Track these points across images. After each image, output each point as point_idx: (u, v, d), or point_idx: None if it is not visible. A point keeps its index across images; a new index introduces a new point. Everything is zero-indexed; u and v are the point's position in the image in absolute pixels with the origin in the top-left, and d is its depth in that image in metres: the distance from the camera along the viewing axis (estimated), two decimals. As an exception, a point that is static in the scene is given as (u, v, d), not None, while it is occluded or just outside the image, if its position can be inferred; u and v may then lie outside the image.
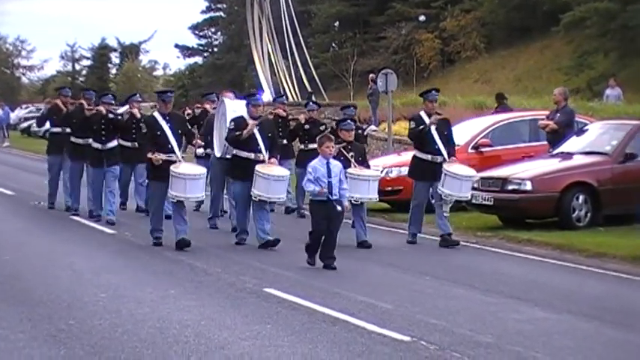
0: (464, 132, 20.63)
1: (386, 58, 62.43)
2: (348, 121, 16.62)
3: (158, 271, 13.93)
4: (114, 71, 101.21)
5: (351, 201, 14.82)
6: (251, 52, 53.66)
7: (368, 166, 16.61)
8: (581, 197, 16.94)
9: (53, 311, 10.79)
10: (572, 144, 18.58)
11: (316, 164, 13.50)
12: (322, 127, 20.14)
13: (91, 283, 12.78)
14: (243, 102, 16.48)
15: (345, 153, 15.53)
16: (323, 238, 13.50)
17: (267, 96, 47.01)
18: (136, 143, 18.84)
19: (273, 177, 14.84)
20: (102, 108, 18.40)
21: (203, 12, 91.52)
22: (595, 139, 18.72)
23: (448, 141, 16.27)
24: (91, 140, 18.45)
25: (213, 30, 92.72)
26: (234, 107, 16.45)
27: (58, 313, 10.69)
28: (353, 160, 15.55)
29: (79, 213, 19.73)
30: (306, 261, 13.71)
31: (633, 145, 17.48)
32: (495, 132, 20.72)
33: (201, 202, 19.10)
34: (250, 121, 15.25)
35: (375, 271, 13.87)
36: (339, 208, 13.46)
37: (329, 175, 13.31)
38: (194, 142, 16.21)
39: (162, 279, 13.26)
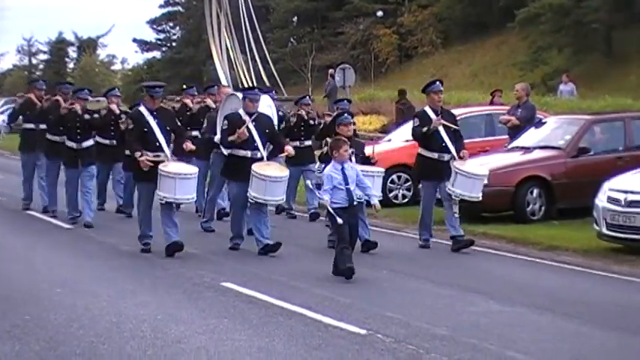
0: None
1: (344, 53, 62.49)
2: (346, 115, 14.54)
3: (115, 266, 13.78)
4: (71, 65, 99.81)
5: None
6: (209, 46, 53.51)
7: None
8: (535, 191, 17.03)
9: (7, 306, 10.75)
10: (526, 138, 18.68)
11: (331, 172, 11.91)
12: (316, 122, 18.95)
13: (47, 278, 12.73)
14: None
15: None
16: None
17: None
18: (114, 141, 17.75)
19: (270, 178, 13.26)
20: (77, 106, 16.68)
21: (161, 6, 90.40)
22: (549, 133, 18.83)
23: (457, 136, 14.93)
24: (65, 138, 16.82)
25: (171, 24, 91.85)
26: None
27: (12, 308, 10.66)
28: (353, 157, 13.59)
29: (57, 215, 18.10)
30: (333, 272, 12.36)
31: (586, 140, 17.61)
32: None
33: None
34: (246, 118, 13.72)
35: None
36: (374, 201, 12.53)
37: (346, 182, 11.81)
38: (185, 145, 13.89)
39: (119, 274, 13.17)
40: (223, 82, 50.38)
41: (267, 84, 48.33)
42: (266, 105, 14.56)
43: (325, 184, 12.02)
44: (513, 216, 17.21)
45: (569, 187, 16.97)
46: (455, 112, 21.22)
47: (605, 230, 14.05)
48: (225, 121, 13.74)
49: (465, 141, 18.68)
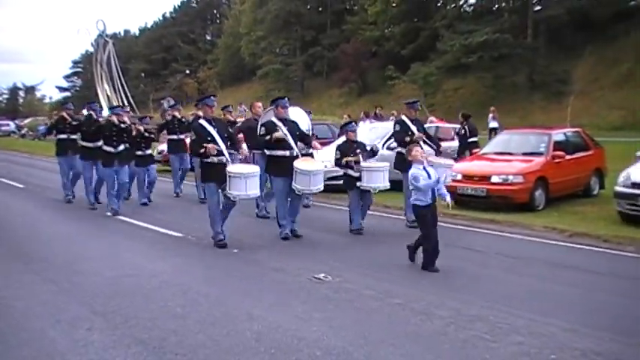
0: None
1: (170, 92, 61.17)
2: (353, 123, 10.39)
3: (85, 219, 12.63)
4: (21, 100, 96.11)
5: (360, 188, 9.32)
6: (96, 89, 51.42)
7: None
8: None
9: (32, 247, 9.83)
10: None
11: (415, 172, 7.22)
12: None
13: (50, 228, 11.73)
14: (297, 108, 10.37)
15: (354, 153, 9.47)
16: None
17: (105, 112, 45.54)
18: (128, 144, 11.83)
19: (312, 172, 8.82)
20: (114, 118, 11.81)
21: (71, 68, 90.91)
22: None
23: (430, 138, 10.60)
24: (101, 143, 11.70)
25: (76, 77, 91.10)
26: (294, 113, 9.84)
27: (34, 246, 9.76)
28: (360, 156, 9.39)
29: (96, 207, 12.25)
30: (431, 270, 7.03)
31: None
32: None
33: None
34: (279, 123, 8.97)
35: (185, 208, 12.75)
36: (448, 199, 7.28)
37: (429, 178, 7.20)
38: (241, 151, 8.99)
39: (84, 223, 12.07)
40: (104, 109, 48.55)
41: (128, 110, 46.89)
42: (300, 115, 10.11)
43: (412, 185, 7.31)
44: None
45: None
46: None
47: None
48: (263, 128, 9.20)
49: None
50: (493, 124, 23.15)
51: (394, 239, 8.77)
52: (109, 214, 11.30)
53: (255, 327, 5.11)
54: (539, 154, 11.77)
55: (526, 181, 11.05)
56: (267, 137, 8.88)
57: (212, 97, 8.70)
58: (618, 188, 9.93)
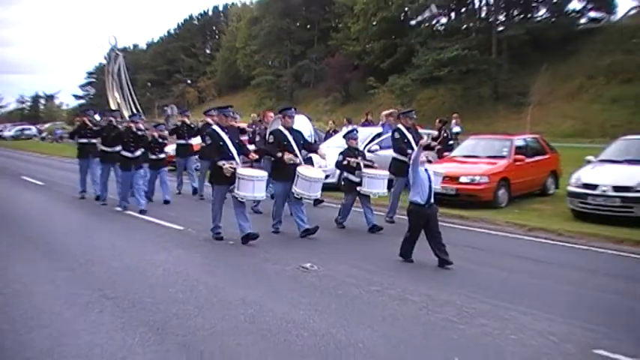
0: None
1: (172, 100, 60.97)
2: (355, 131, 9.64)
3: (99, 214, 12.32)
4: (42, 107, 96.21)
5: (360, 192, 9.04)
6: (107, 96, 51.03)
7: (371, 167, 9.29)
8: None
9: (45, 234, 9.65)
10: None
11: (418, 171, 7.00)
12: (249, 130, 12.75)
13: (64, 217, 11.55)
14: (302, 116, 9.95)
15: (356, 159, 9.16)
16: (427, 238, 6.89)
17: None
18: (140, 150, 11.33)
19: (313, 179, 8.43)
20: (132, 125, 11.37)
21: (85, 78, 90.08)
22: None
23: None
24: (119, 148, 11.33)
25: (90, 86, 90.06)
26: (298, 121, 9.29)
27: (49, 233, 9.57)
28: (362, 163, 9.12)
29: (107, 203, 11.86)
30: (399, 255, 7.06)
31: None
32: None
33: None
34: (284, 132, 8.57)
35: (187, 204, 12.30)
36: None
37: (429, 180, 6.96)
38: (250, 155, 8.59)
39: (98, 217, 11.76)
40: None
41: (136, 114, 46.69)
42: (303, 121, 9.76)
43: (412, 174, 6.99)
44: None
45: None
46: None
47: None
48: (271, 136, 8.67)
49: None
50: (456, 129, 23.19)
51: (376, 234, 8.78)
52: (118, 209, 11.15)
53: (249, 311, 5.10)
54: (502, 157, 11.82)
55: (491, 181, 11.09)
56: (280, 155, 8.48)
57: (229, 109, 8.59)
58: (571, 188, 10.04)
